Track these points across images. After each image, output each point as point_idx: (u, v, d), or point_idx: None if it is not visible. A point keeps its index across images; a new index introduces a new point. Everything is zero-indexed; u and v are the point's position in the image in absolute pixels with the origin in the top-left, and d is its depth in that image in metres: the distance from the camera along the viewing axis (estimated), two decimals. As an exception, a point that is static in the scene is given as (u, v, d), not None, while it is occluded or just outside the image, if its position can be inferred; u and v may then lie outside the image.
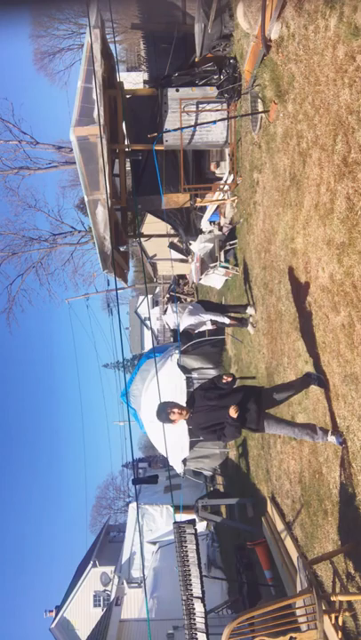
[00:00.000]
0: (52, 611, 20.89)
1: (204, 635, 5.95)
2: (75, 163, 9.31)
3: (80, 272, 25.47)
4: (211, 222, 11.93)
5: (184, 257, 15.12)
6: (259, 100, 7.11)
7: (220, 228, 11.35)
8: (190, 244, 13.31)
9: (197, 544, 6.53)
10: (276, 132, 6.24)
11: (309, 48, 4.88)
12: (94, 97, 8.47)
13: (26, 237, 23.32)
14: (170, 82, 9.77)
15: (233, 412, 4.28)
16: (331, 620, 3.53)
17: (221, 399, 4.53)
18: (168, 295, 20.05)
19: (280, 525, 6.28)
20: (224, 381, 4.62)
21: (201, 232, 12.46)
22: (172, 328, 17.77)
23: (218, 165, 11.17)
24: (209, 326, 8.59)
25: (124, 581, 15.18)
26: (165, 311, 18.76)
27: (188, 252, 14.62)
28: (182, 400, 10.58)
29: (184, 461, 11.64)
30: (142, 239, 14.07)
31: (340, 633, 3.53)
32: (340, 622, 3.56)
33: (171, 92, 9.45)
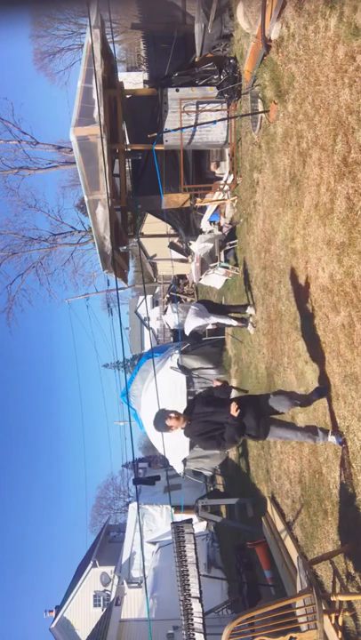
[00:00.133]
0: (52, 611, 20.90)
1: (202, 635, 5.94)
2: (75, 163, 9.31)
3: (80, 272, 25.51)
4: (211, 222, 11.93)
5: (184, 257, 15.12)
6: (259, 100, 7.11)
7: (220, 228, 11.35)
8: (190, 243, 13.31)
9: (195, 544, 6.53)
10: (276, 131, 6.24)
11: (309, 48, 4.88)
12: (94, 97, 8.47)
13: (26, 237, 23.35)
14: (170, 82, 9.77)
15: (234, 410, 4.13)
16: (331, 620, 3.53)
17: (220, 406, 4.40)
18: (168, 295, 20.05)
19: (280, 525, 6.28)
20: (214, 385, 4.57)
21: (201, 232, 12.46)
22: (172, 328, 17.79)
23: (218, 165, 11.17)
24: (210, 326, 8.60)
25: (124, 581, 15.17)
26: (165, 311, 18.79)
27: (188, 252, 14.62)
28: (182, 400, 10.59)
29: (184, 461, 11.64)
30: (142, 239, 14.07)
31: (340, 633, 3.53)
32: (340, 622, 3.56)
33: (171, 92, 9.45)
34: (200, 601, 6.18)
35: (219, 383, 4.57)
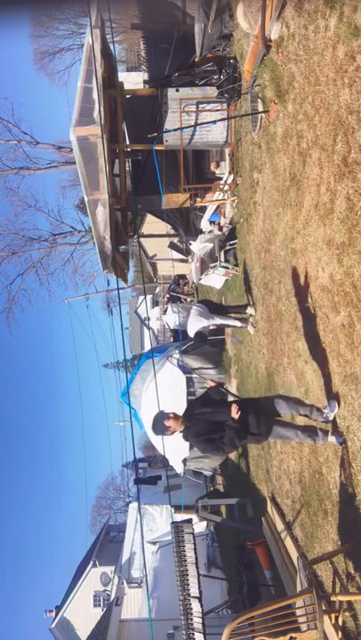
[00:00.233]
0: (52, 611, 20.90)
1: (202, 635, 5.95)
2: (75, 163, 9.31)
3: (80, 272, 25.51)
4: (211, 222, 11.93)
5: (184, 257, 15.12)
6: (259, 100, 7.11)
7: (220, 228, 11.35)
8: (190, 243, 13.31)
9: (195, 543, 6.53)
10: (276, 131, 6.24)
11: (309, 48, 4.88)
12: (94, 97, 8.47)
13: (26, 237, 23.35)
14: (170, 82, 9.77)
15: (234, 411, 4.04)
16: (331, 620, 3.53)
17: (218, 407, 4.36)
18: (168, 295, 20.05)
19: (280, 525, 6.28)
20: (208, 386, 4.53)
21: (201, 232, 12.46)
22: (172, 328, 17.79)
23: (218, 165, 11.17)
24: (211, 326, 8.60)
25: (124, 581, 15.18)
26: (165, 311, 18.78)
27: (188, 252, 14.62)
28: (182, 400, 10.59)
29: (184, 461, 11.65)
30: (142, 239, 14.07)
31: (340, 633, 3.53)
32: (340, 622, 3.56)
33: (171, 92, 9.45)
34: (200, 601, 6.18)
35: (213, 384, 4.52)
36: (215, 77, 9.44)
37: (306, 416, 4.49)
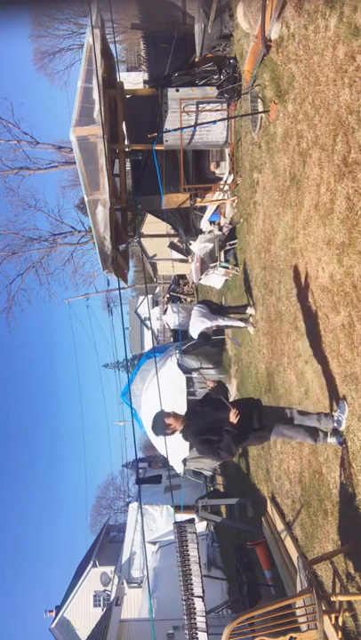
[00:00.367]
0: (52, 611, 20.89)
1: (205, 634, 5.96)
2: (75, 163, 9.31)
3: (80, 272, 25.51)
4: (211, 222, 11.93)
5: (184, 257, 15.12)
6: (259, 100, 7.11)
7: (220, 228, 11.35)
8: (190, 243, 13.31)
9: (198, 543, 6.55)
10: (276, 131, 6.24)
11: (309, 48, 4.88)
12: (94, 97, 8.47)
13: (26, 237, 23.36)
14: (170, 82, 9.77)
15: (233, 417, 3.99)
16: (331, 620, 3.53)
17: (217, 406, 4.31)
18: (168, 295, 20.05)
19: (280, 525, 6.28)
20: (209, 386, 4.50)
21: (201, 232, 12.46)
22: (172, 328, 17.79)
23: (218, 165, 11.17)
24: (213, 327, 8.60)
25: (124, 581, 15.17)
26: (165, 311, 18.79)
27: (188, 252, 14.62)
28: (182, 400, 10.59)
29: (184, 461, 11.65)
30: (142, 239, 14.07)
31: (340, 633, 3.53)
32: (340, 622, 3.56)
33: (171, 92, 9.45)
34: (203, 600, 6.20)
35: (213, 384, 4.49)
36: (215, 77, 9.44)
37: (316, 427, 4.36)
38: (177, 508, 13.22)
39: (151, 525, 15.45)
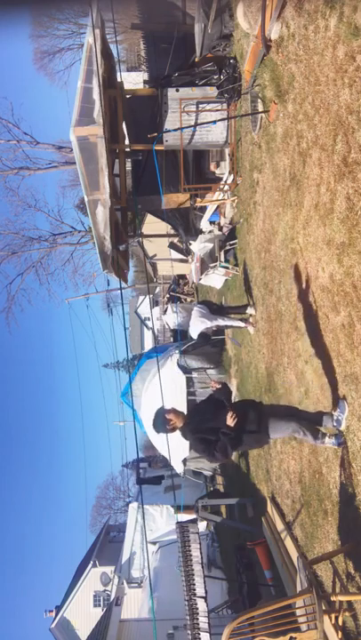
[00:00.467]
0: (52, 611, 20.90)
1: (207, 634, 5.96)
2: (75, 163, 9.31)
3: (80, 272, 25.52)
4: (211, 222, 11.93)
5: (184, 257, 15.13)
6: (259, 100, 7.11)
7: (220, 228, 11.36)
8: (190, 243, 13.32)
9: (200, 543, 6.56)
10: (276, 131, 6.24)
11: (309, 48, 4.88)
12: (94, 97, 8.46)
13: (26, 237, 23.37)
14: (170, 82, 9.77)
15: (230, 419, 3.96)
16: (331, 620, 3.53)
17: (219, 406, 4.31)
18: (168, 295, 20.05)
19: (280, 525, 6.28)
20: (213, 387, 4.49)
21: (201, 232, 12.47)
22: (172, 328, 17.79)
23: (218, 165, 11.17)
24: (213, 327, 8.60)
25: (124, 581, 15.18)
26: (165, 311, 18.80)
27: (188, 252, 14.62)
28: (182, 400, 10.60)
29: (184, 461, 11.65)
30: (141, 239, 14.08)
31: (340, 633, 3.53)
32: (340, 622, 3.56)
33: (171, 92, 9.45)
34: (205, 600, 6.21)
35: (218, 385, 4.46)
36: (215, 77, 9.44)
37: (316, 428, 4.33)
38: (177, 508, 13.23)
39: (151, 525, 15.44)
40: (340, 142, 4.14)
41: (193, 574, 6.41)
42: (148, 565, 10.79)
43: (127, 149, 10.81)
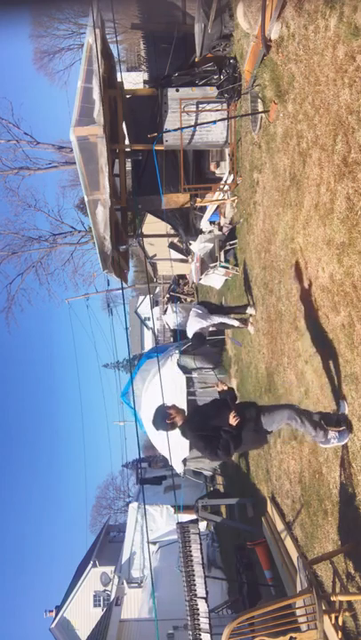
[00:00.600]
0: (52, 611, 20.88)
1: (208, 635, 5.96)
2: (75, 163, 9.31)
3: (80, 272, 25.51)
4: (211, 222, 11.93)
5: (184, 257, 15.12)
6: (259, 100, 7.11)
7: (220, 228, 11.35)
8: (190, 243, 13.31)
9: (201, 544, 6.56)
10: (276, 131, 6.24)
11: (309, 48, 4.88)
12: (94, 97, 8.47)
13: (26, 237, 23.36)
14: (170, 82, 9.77)
15: (232, 419, 3.98)
16: (331, 620, 3.53)
17: (221, 407, 4.30)
18: (168, 295, 20.05)
19: (280, 525, 6.28)
20: (218, 389, 4.45)
21: (201, 232, 12.46)
22: (172, 328, 17.78)
23: (218, 165, 11.17)
24: (211, 327, 8.60)
25: (124, 581, 15.16)
26: (165, 311, 18.79)
27: (188, 252, 14.62)
28: (182, 400, 10.59)
29: (184, 461, 11.64)
30: (142, 239, 14.07)
31: (340, 633, 3.53)
32: (340, 622, 3.56)
33: (171, 92, 9.45)
34: (206, 601, 6.21)
35: (225, 387, 4.38)
36: (215, 77, 9.44)
37: (316, 421, 4.28)
38: (177, 508, 13.22)
39: (151, 525, 15.43)
40: (340, 142, 4.14)
41: (194, 575, 6.42)
42: (149, 565, 10.79)
43: (127, 149, 10.81)
